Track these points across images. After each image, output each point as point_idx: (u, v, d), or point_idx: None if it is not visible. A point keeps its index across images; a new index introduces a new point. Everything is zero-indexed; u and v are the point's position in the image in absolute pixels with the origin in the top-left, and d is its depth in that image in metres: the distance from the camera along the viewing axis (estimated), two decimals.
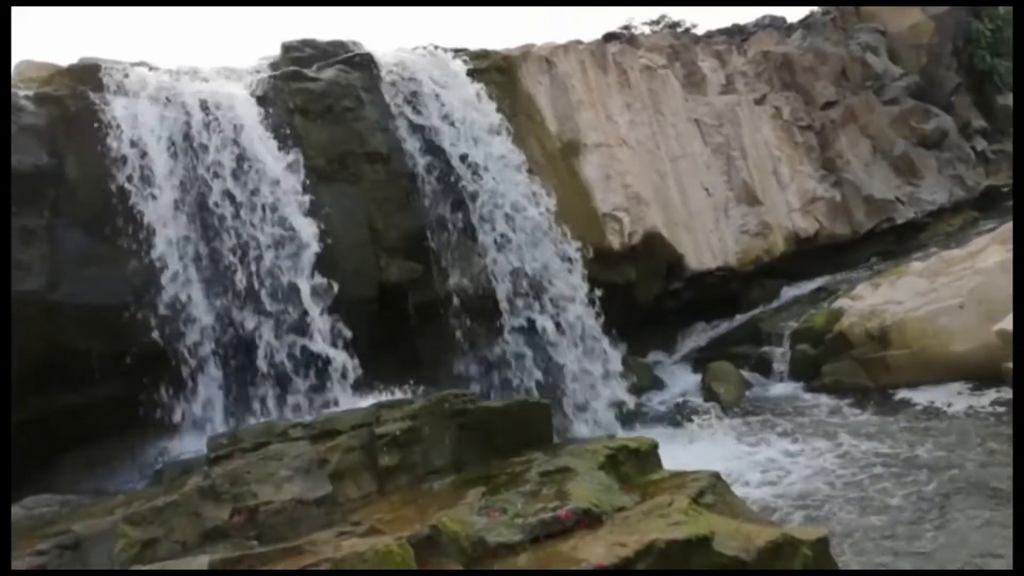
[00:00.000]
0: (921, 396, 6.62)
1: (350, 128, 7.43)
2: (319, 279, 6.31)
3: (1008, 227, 8.48)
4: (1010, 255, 7.18)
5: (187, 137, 6.43)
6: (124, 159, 6.09)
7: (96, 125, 6.11)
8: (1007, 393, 5.85)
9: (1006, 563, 3.66)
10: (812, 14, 13.28)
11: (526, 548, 3.64)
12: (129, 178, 6.06)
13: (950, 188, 11.80)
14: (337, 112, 7.43)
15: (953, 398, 6.40)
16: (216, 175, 6.38)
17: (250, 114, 6.80)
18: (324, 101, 7.38)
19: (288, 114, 7.19)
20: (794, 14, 14.38)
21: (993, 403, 6.02)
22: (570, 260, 7.86)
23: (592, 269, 8.31)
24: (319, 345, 6.17)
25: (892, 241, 11.23)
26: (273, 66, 7.76)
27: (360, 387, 6.07)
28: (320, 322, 6.10)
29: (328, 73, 7.66)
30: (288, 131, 6.96)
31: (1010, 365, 5.57)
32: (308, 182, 6.70)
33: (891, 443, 5.61)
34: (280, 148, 6.74)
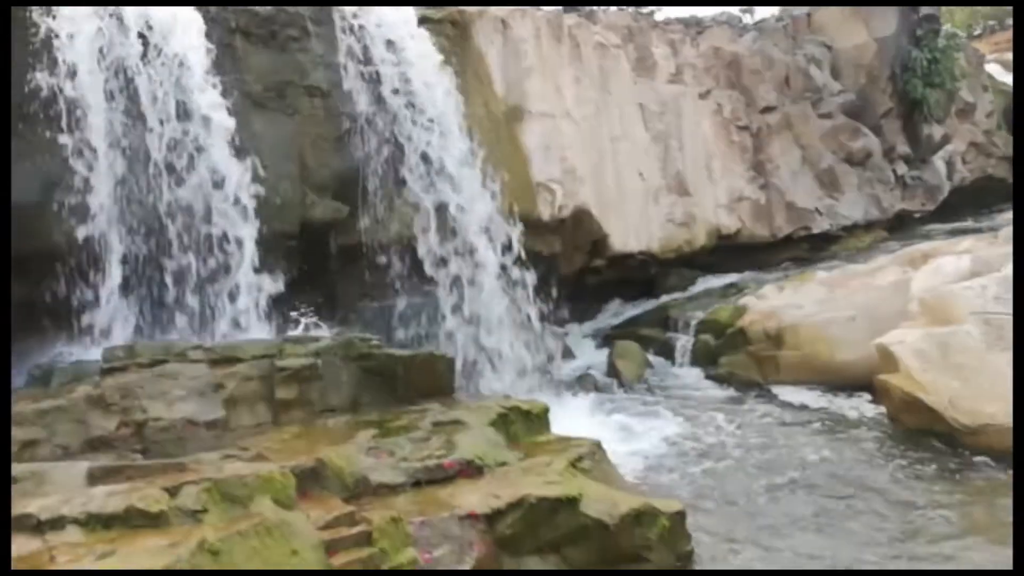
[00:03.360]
0: (803, 396, 7.09)
1: (293, 58, 7.26)
2: (244, 203, 6.22)
3: (908, 251, 9.08)
4: (905, 276, 7.71)
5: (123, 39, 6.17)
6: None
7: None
8: (878, 404, 6.32)
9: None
10: (765, 19, 13.62)
11: (407, 490, 3.82)
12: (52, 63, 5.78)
13: (866, 206, 12.46)
14: (281, 40, 7.23)
15: (830, 401, 6.88)
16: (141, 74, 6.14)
17: (192, 28, 6.57)
18: (269, 26, 7.18)
19: (229, 33, 6.98)
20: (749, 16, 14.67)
21: (865, 410, 6.51)
22: (503, 222, 7.93)
23: (520, 236, 8.46)
24: (234, 271, 6.12)
25: (806, 249, 11.83)
26: None
27: (270, 320, 6.08)
28: (237, 248, 6.03)
29: None
30: (226, 51, 6.75)
31: (882, 376, 6.03)
32: (240, 107, 6.53)
33: (766, 434, 6.02)
34: (216, 67, 6.53)
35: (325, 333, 5.62)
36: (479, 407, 4.76)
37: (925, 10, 13.81)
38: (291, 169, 6.99)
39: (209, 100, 6.18)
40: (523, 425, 4.71)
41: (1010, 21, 31.74)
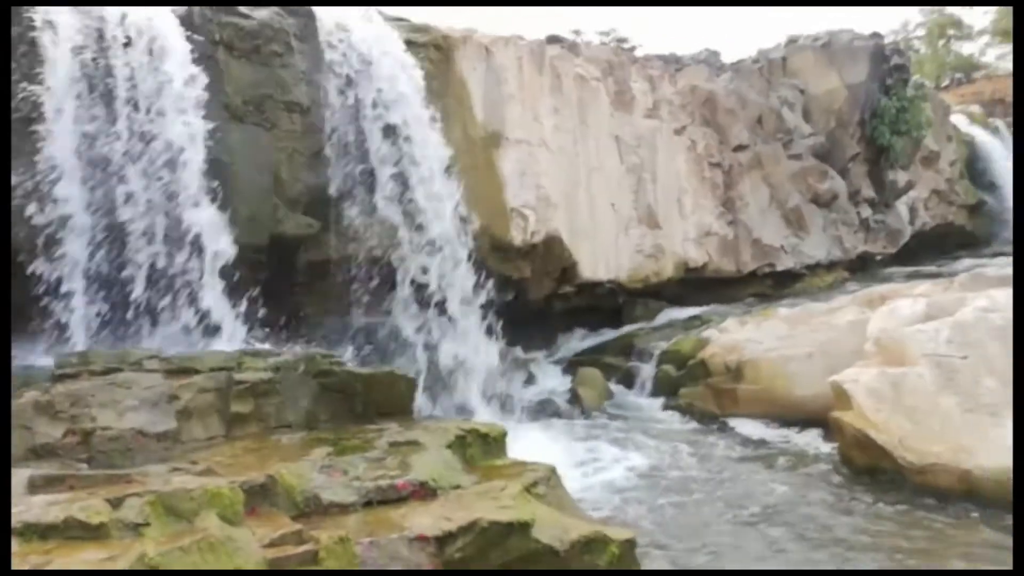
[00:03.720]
0: (760, 430, 7.18)
1: (274, 73, 7.30)
2: (212, 217, 6.20)
3: (867, 292, 9.30)
4: (862, 316, 7.88)
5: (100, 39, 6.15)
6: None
7: None
8: (832, 440, 6.42)
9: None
10: (742, 61, 13.97)
11: (358, 510, 3.79)
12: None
13: (830, 247, 12.75)
14: (264, 54, 7.28)
15: (786, 436, 6.97)
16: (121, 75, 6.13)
17: (172, 35, 6.58)
18: (253, 40, 7.22)
19: (212, 45, 7.00)
20: (729, 55, 15.05)
21: (820, 446, 6.60)
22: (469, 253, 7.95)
23: (491, 260, 8.53)
24: (199, 281, 6.08)
25: (770, 285, 12.06)
26: None
27: (232, 332, 6.03)
28: (203, 258, 5.99)
29: (263, 13, 7.49)
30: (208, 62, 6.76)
31: (836, 413, 6.14)
32: (217, 119, 6.53)
33: (722, 467, 6.09)
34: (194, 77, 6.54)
35: (287, 348, 5.59)
36: (437, 428, 4.75)
37: (895, 60, 14.29)
38: (265, 182, 7.01)
39: (185, 109, 6.17)
40: (480, 448, 4.71)
41: (976, 74, 32.90)
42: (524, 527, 3.77)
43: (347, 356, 6.09)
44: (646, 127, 11.42)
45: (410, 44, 8.43)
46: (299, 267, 7.25)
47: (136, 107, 6.15)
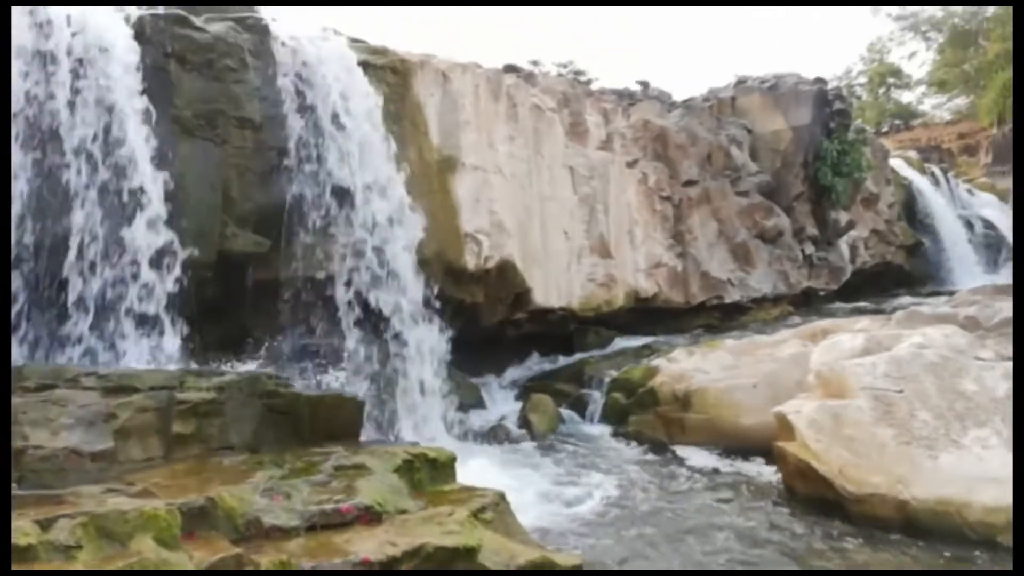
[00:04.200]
0: (707, 459, 7.26)
1: (227, 88, 7.22)
2: (159, 234, 6.06)
3: (810, 326, 9.58)
4: (805, 349, 8.11)
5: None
6: None
7: None
8: (775, 468, 6.54)
9: None
10: (693, 98, 14.39)
11: (300, 534, 3.71)
12: None
13: (775, 281, 13.11)
14: (217, 69, 7.19)
15: (731, 464, 7.08)
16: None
17: (122, 44, 6.47)
18: (206, 54, 7.14)
19: (164, 58, 6.90)
20: (680, 93, 15.49)
21: (764, 473, 6.72)
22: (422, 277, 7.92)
23: (444, 284, 8.51)
24: (141, 297, 5.91)
25: (718, 317, 12.32)
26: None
27: (176, 350, 5.87)
28: (147, 272, 5.84)
29: (217, 27, 7.42)
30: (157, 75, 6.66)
31: (780, 443, 6.27)
32: (166, 132, 6.42)
33: (670, 495, 6.15)
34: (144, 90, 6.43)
35: (231, 368, 5.46)
36: (384, 452, 4.70)
37: (838, 105, 14.91)
38: (214, 199, 6.88)
39: (133, 122, 6.05)
40: (428, 473, 4.67)
41: (914, 122, 34.56)
42: (470, 552, 3.74)
43: (294, 378, 5.96)
44: (599, 159, 11.62)
45: (367, 66, 8.44)
46: (247, 286, 7.11)
47: (82, 118, 6.01)
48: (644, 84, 14.54)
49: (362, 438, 5.26)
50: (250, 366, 6.21)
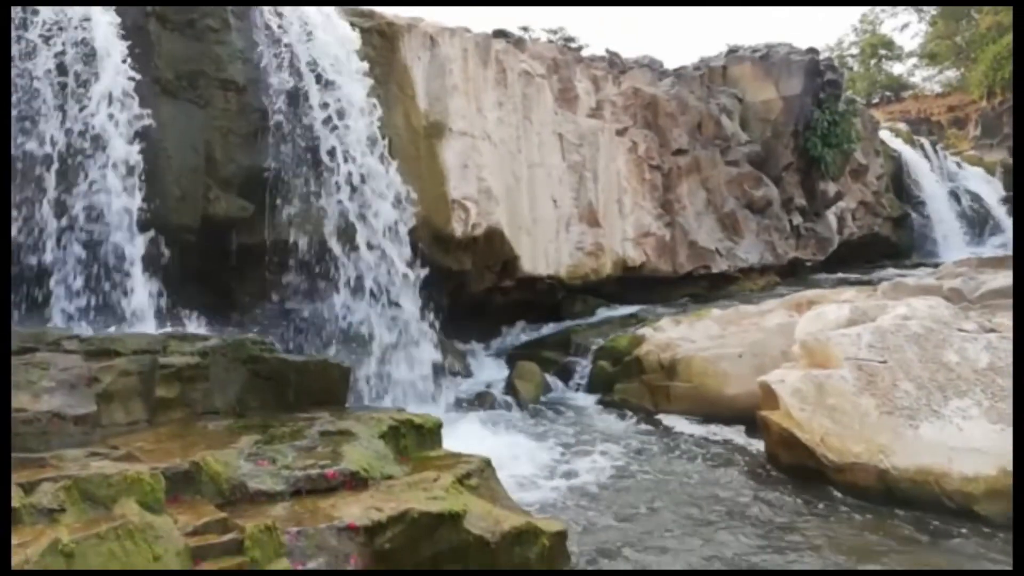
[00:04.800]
0: (691, 427, 7.34)
1: (209, 49, 7.06)
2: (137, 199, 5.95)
3: (796, 297, 9.61)
4: (790, 319, 8.15)
5: None
6: None
7: None
8: (760, 437, 6.61)
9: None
10: (684, 67, 14.24)
11: (286, 499, 3.71)
12: None
13: (762, 251, 13.14)
14: (199, 29, 7.03)
15: (715, 432, 7.15)
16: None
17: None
18: (187, 14, 6.96)
19: (144, 16, 6.72)
20: (671, 61, 15.32)
21: (749, 442, 6.80)
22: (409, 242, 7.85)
23: (432, 251, 8.45)
24: (123, 261, 5.83)
25: (705, 286, 12.35)
26: None
27: (159, 314, 5.81)
28: (128, 237, 5.75)
29: None
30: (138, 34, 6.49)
31: (764, 412, 6.33)
32: (147, 93, 6.28)
33: (650, 460, 6.21)
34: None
35: (216, 332, 5.41)
36: (370, 418, 4.69)
37: (829, 76, 14.81)
38: (196, 162, 6.77)
39: (112, 82, 5.90)
40: (414, 439, 4.67)
41: (904, 94, 34.47)
42: (455, 518, 3.76)
43: (279, 343, 5.93)
44: (589, 126, 11.52)
45: (353, 28, 8.28)
46: (232, 250, 7.04)
47: (62, 83, 5.87)
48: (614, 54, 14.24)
49: (348, 403, 5.27)
50: (235, 331, 6.16)
